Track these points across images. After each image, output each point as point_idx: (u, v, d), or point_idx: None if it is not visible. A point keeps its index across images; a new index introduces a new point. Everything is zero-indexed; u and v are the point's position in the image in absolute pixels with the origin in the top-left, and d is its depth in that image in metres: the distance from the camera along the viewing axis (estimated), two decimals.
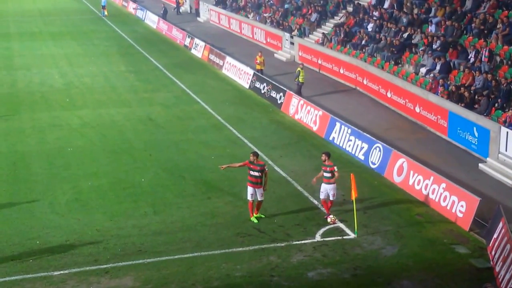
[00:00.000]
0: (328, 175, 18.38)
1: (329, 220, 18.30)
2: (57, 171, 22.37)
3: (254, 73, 34.18)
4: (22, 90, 33.60)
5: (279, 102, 30.46)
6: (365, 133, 24.11)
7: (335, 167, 18.43)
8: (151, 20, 56.11)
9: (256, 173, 18.23)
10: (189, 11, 62.43)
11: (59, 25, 54.99)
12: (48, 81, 35.36)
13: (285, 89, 30.73)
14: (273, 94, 31.23)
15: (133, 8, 62.83)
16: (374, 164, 22.60)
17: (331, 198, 18.51)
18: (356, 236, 17.51)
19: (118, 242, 17.10)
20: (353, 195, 17.66)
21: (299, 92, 31.18)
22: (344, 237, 17.50)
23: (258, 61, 35.17)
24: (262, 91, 32.44)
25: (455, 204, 18.55)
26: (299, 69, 32.28)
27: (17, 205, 19.50)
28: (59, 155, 23.87)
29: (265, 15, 48.75)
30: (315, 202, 19.74)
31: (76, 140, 25.53)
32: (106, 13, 59.85)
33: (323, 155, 18.67)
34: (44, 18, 59.17)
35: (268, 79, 33.08)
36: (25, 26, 54.31)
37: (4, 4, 67.48)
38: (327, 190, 18.45)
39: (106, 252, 16.56)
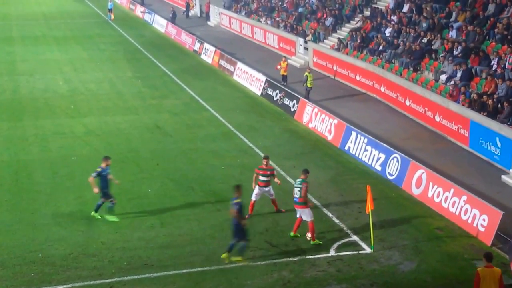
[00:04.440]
0: (266, 178, 19.21)
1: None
2: (60, 180, 22.55)
3: (266, 79, 34.31)
4: (25, 96, 33.86)
5: (292, 110, 30.54)
6: (382, 143, 24.12)
7: (274, 171, 19.69)
8: (159, 24, 56.46)
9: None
10: (198, 15, 62.75)
11: (63, 29, 55.42)
12: (52, 87, 35.62)
13: (298, 96, 30.84)
14: (286, 101, 31.33)
15: (141, 12, 63.24)
16: (391, 175, 22.60)
17: (273, 197, 19.56)
18: (372, 250, 17.50)
19: (123, 255, 17.20)
20: (369, 208, 17.66)
21: (307, 97, 31.39)
22: (360, 252, 17.51)
23: (279, 67, 35.42)
24: (275, 98, 32.55)
25: (476, 218, 18.51)
26: (306, 73, 32.53)
27: (19, 216, 19.67)
28: (62, 164, 24.06)
29: (277, 19, 48.92)
30: (330, 215, 19.78)
31: (81, 149, 25.72)
32: (112, 16, 60.26)
33: (266, 159, 19.49)
34: (48, 21, 59.65)
35: (281, 86, 33.20)
36: (28, 29, 54.77)
37: (7, 7, 68.08)
38: (264, 192, 19.33)
39: (111, 266, 16.66)
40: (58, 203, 20.55)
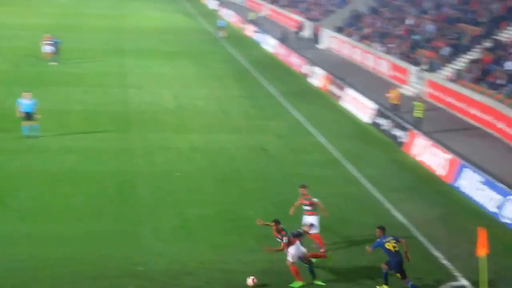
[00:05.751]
0: (310, 208, 18.78)
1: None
2: (163, 195, 23.04)
3: (376, 107, 33.91)
4: (133, 108, 34.94)
5: (401, 140, 29.97)
6: (499, 183, 23.22)
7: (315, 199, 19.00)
8: (269, 44, 57.09)
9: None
10: (309, 37, 62.98)
11: (174, 44, 57.04)
12: (159, 101, 36.60)
13: (409, 127, 30.25)
14: (395, 131, 30.79)
15: (251, 31, 64.20)
16: (508, 218, 21.67)
17: (316, 231, 18.66)
18: None
19: (221, 277, 17.30)
20: (482, 252, 16.97)
21: (417, 128, 30.73)
22: None
23: (389, 95, 35.15)
24: (383, 127, 32.07)
25: None
26: (415, 102, 32.05)
27: (122, 227, 20.25)
28: (166, 179, 24.57)
29: (390, 45, 48.34)
30: (436, 255, 19.17)
31: (184, 165, 26.19)
32: (222, 34, 61.47)
33: (303, 188, 19.13)
34: (159, 36, 61.56)
35: (391, 115, 32.70)
36: (140, 43, 56.68)
37: (121, 20, 70.83)
38: (309, 221, 18.66)
39: (208, 287, 16.77)
40: (159, 218, 21.00)
